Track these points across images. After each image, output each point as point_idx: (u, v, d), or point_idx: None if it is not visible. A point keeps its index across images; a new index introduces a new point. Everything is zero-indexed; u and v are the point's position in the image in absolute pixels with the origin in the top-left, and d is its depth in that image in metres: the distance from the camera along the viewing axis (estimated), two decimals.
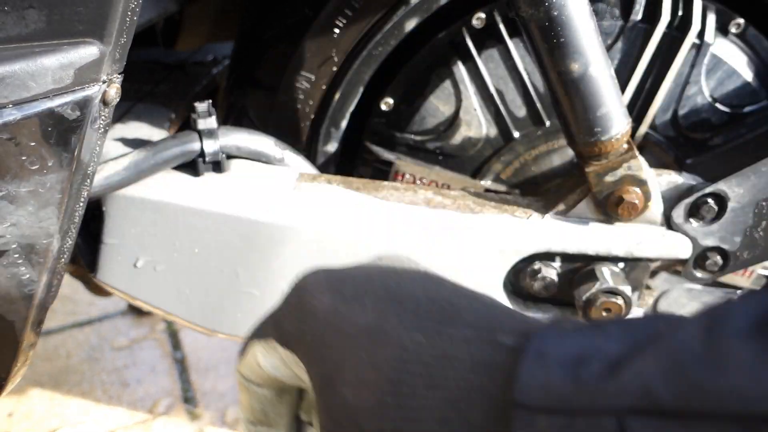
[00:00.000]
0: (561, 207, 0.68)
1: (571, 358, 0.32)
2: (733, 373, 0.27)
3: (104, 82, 0.51)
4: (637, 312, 0.71)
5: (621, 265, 0.69)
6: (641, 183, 0.66)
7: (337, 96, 0.73)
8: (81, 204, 0.56)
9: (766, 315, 0.28)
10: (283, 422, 0.49)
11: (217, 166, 0.67)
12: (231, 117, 0.78)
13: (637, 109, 0.72)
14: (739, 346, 0.27)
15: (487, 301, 0.39)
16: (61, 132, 0.50)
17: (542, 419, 0.31)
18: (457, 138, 0.74)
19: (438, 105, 0.74)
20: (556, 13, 0.59)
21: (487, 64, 0.73)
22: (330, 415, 0.39)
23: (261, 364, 0.45)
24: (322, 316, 0.41)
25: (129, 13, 0.49)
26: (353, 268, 0.44)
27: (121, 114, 0.78)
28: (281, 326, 0.44)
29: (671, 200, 0.68)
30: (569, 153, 0.73)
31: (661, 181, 0.68)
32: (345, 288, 0.41)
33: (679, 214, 0.67)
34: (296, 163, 0.71)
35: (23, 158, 0.49)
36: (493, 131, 0.74)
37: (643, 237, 0.67)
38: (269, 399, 0.48)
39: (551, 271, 0.69)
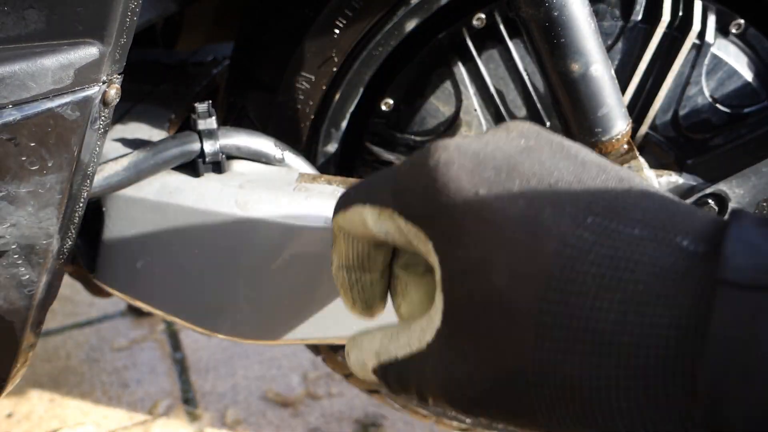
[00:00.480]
0: None
1: None
2: None
3: (104, 82, 0.51)
4: None
5: None
6: None
7: (337, 96, 0.73)
8: (81, 204, 0.56)
9: None
10: (377, 269, 0.48)
11: (217, 167, 0.67)
12: (231, 117, 0.78)
13: (638, 109, 0.72)
14: None
15: (657, 197, 0.36)
16: (61, 132, 0.50)
17: (753, 296, 0.29)
18: None
19: (438, 105, 0.74)
20: (556, 14, 0.59)
21: (488, 64, 0.73)
22: (470, 301, 0.37)
23: (369, 225, 0.44)
24: (461, 201, 0.38)
25: (129, 13, 0.49)
26: (489, 145, 0.40)
27: (121, 114, 0.78)
28: (406, 200, 0.41)
29: None
30: None
31: (662, 181, 0.68)
32: (485, 170, 0.38)
33: None
34: (296, 163, 0.71)
35: (23, 159, 0.49)
36: None
37: None
38: (367, 251, 0.47)
39: None
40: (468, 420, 0.94)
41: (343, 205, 0.45)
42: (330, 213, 0.64)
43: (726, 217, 0.34)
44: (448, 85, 0.73)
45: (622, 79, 0.71)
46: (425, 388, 0.42)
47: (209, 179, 0.67)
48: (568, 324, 0.34)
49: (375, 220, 0.43)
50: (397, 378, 0.44)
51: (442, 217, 0.39)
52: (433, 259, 0.40)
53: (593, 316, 0.33)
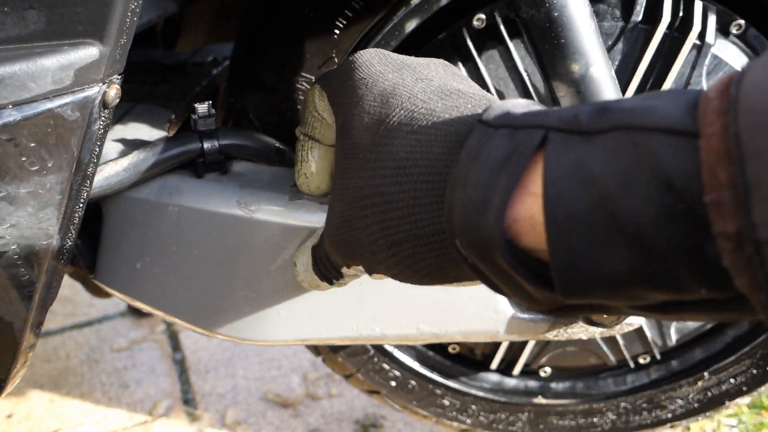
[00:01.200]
0: None
1: (526, 110, 0.41)
2: (636, 101, 0.34)
3: (104, 83, 0.51)
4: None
5: None
6: None
7: None
8: (81, 205, 0.56)
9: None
10: (323, 141, 0.61)
11: (217, 167, 0.67)
12: (231, 118, 0.78)
13: None
14: (649, 94, 0.35)
15: (486, 94, 0.48)
16: (61, 133, 0.50)
17: (492, 130, 0.40)
18: None
19: None
20: (556, 14, 0.59)
21: (488, 64, 0.72)
22: (342, 152, 0.50)
23: (315, 101, 0.58)
24: (358, 77, 0.52)
25: (129, 13, 0.49)
26: (408, 57, 0.54)
27: (121, 115, 0.78)
28: (330, 83, 0.55)
29: None
30: None
31: None
32: (391, 63, 0.52)
33: None
34: None
35: (23, 159, 0.49)
36: None
37: None
38: (318, 120, 0.59)
39: None
40: (468, 420, 0.94)
41: (313, 81, 0.60)
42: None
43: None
44: None
45: (623, 79, 0.71)
46: (326, 242, 0.54)
47: (209, 180, 0.66)
48: (381, 158, 0.46)
49: (318, 98, 0.57)
50: (319, 252, 0.57)
51: (342, 94, 0.52)
52: (336, 124, 0.53)
53: (397, 150, 0.45)
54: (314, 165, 0.62)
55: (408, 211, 0.44)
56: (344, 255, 0.51)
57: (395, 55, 0.54)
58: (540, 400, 0.93)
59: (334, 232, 0.51)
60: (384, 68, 0.52)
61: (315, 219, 0.64)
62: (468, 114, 0.45)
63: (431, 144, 0.44)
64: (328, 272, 0.57)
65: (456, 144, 0.43)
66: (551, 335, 0.73)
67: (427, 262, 0.45)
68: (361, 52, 0.55)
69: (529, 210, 0.37)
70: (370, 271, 0.50)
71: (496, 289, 0.42)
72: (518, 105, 0.42)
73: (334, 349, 0.89)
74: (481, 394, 0.92)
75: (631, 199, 0.32)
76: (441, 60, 0.55)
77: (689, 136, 0.32)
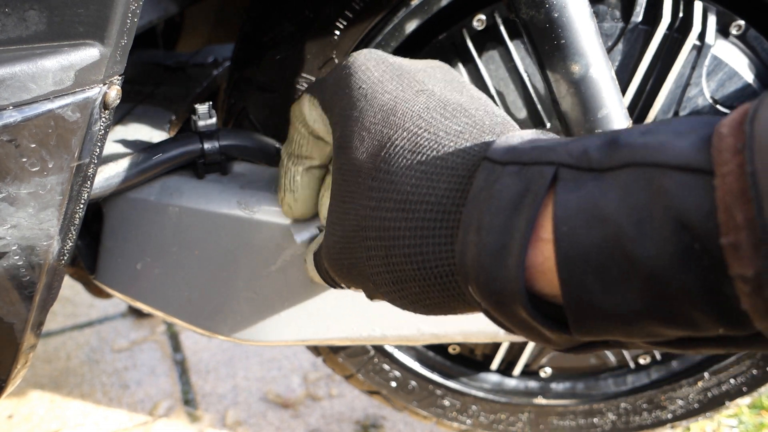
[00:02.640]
0: None
1: (540, 138, 0.40)
2: (649, 136, 0.33)
3: (105, 83, 0.51)
4: None
5: None
6: None
7: None
8: (81, 206, 0.56)
9: (684, 119, 0.35)
10: (308, 160, 0.58)
11: (218, 168, 0.67)
12: (231, 119, 0.78)
13: (638, 110, 0.72)
14: (663, 124, 0.34)
15: (489, 109, 0.47)
16: (62, 134, 0.50)
17: (500, 167, 0.39)
18: None
19: None
20: (556, 15, 0.59)
21: (488, 65, 0.73)
22: (340, 171, 0.48)
23: (305, 112, 0.55)
24: (356, 86, 0.49)
25: (129, 14, 0.49)
26: (404, 59, 0.52)
27: (122, 115, 0.78)
28: (324, 90, 0.53)
29: None
30: None
31: None
32: (387, 69, 0.50)
33: None
34: None
35: (24, 160, 0.49)
36: None
37: None
38: (305, 137, 0.57)
39: None
40: (468, 421, 0.94)
41: (301, 93, 0.57)
42: None
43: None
44: None
45: (623, 80, 0.71)
46: (324, 257, 0.52)
47: (210, 180, 0.67)
48: (384, 186, 0.44)
49: (308, 108, 0.54)
50: (318, 261, 0.57)
51: (338, 104, 0.50)
52: (333, 138, 0.51)
53: (401, 180, 0.44)
54: (299, 192, 0.60)
55: (416, 250, 0.42)
56: (344, 279, 0.50)
57: (392, 58, 0.52)
58: (540, 400, 0.93)
59: (334, 256, 0.50)
60: (382, 75, 0.50)
61: (315, 219, 0.64)
62: (472, 144, 0.43)
63: (437, 179, 0.42)
64: (330, 282, 0.56)
65: (463, 179, 0.41)
66: None
67: (434, 300, 0.44)
68: (356, 54, 0.52)
69: (541, 255, 0.36)
70: (371, 298, 0.49)
71: (508, 329, 0.41)
72: (524, 137, 0.41)
73: (335, 350, 0.89)
74: (481, 394, 0.92)
75: (645, 238, 0.32)
76: (440, 63, 0.53)
77: (704, 173, 0.31)
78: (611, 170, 0.34)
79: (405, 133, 0.45)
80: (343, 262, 0.49)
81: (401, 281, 0.44)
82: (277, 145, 0.70)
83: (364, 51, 0.52)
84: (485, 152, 0.41)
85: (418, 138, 0.44)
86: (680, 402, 0.91)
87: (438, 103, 0.46)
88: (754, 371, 0.86)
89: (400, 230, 0.43)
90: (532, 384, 0.94)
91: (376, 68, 0.50)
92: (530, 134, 0.42)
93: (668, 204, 0.31)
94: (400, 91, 0.48)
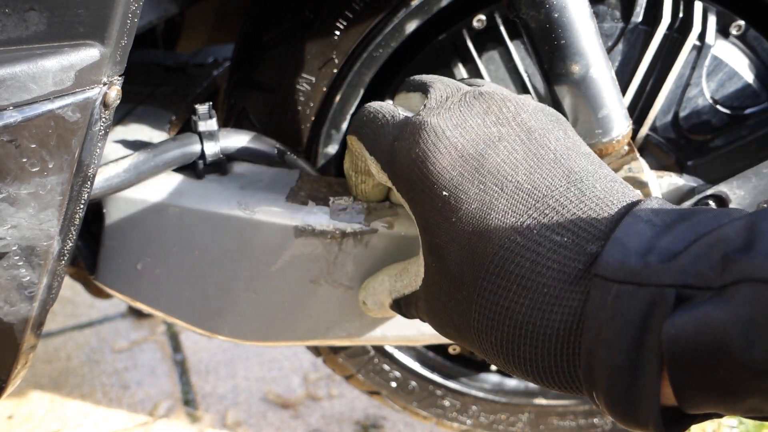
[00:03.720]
0: None
1: (644, 247, 0.40)
2: (757, 251, 0.35)
3: (105, 84, 0.51)
4: None
5: None
6: (642, 185, 0.65)
7: (337, 98, 0.73)
8: (81, 206, 0.56)
9: None
10: (371, 181, 0.60)
11: (218, 168, 0.67)
12: (231, 119, 0.78)
13: (638, 111, 0.72)
14: (766, 234, 0.36)
15: (593, 196, 0.45)
16: (62, 134, 0.50)
17: (616, 287, 0.39)
18: None
19: None
20: (556, 15, 0.59)
21: (488, 65, 0.73)
22: (438, 270, 0.49)
23: (373, 172, 0.55)
24: (433, 193, 0.48)
25: (130, 15, 0.49)
26: (466, 132, 0.49)
27: (122, 116, 0.78)
28: (397, 175, 0.51)
29: (672, 202, 0.68)
30: None
31: (662, 183, 0.68)
32: (457, 163, 0.48)
33: None
34: (297, 165, 0.71)
35: (24, 160, 0.49)
36: None
37: None
38: (370, 174, 0.58)
39: None
40: (468, 421, 0.94)
41: (355, 132, 0.56)
42: (329, 217, 0.64)
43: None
44: None
45: (623, 80, 0.71)
46: (423, 316, 0.55)
47: (210, 181, 0.67)
48: (494, 308, 0.45)
49: (376, 171, 0.54)
50: (407, 308, 0.58)
51: (420, 205, 0.49)
52: (419, 230, 0.51)
53: (511, 306, 0.44)
54: (371, 197, 0.63)
55: (536, 370, 0.44)
56: (452, 339, 0.52)
57: (464, 139, 0.48)
58: (540, 400, 0.93)
59: (441, 329, 0.52)
60: (461, 174, 0.47)
61: (315, 220, 0.64)
62: (575, 257, 0.43)
63: (549, 309, 0.43)
64: (413, 317, 0.59)
65: (576, 309, 0.42)
66: None
67: (548, 388, 0.46)
68: (421, 137, 0.49)
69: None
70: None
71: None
72: (635, 236, 0.41)
73: (335, 350, 0.89)
74: (481, 394, 0.92)
75: (753, 346, 0.34)
76: (524, 125, 0.49)
77: None
78: (725, 287, 0.36)
79: (502, 252, 0.44)
80: (452, 337, 0.51)
81: (518, 375, 0.46)
82: (278, 145, 0.70)
83: (431, 133, 0.49)
84: (594, 268, 0.41)
85: (517, 258, 0.44)
86: None
87: (528, 200, 0.45)
88: None
89: (520, 352, 0.44)
90: (533, 384, 0.94)
91: (452, 166, 0.48)
92: (638, 225, 0.42)
93: None
94: (485, 194, 0.46)
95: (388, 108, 0.55)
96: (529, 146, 0.48)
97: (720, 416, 0.41)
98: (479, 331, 0.46)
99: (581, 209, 0.44)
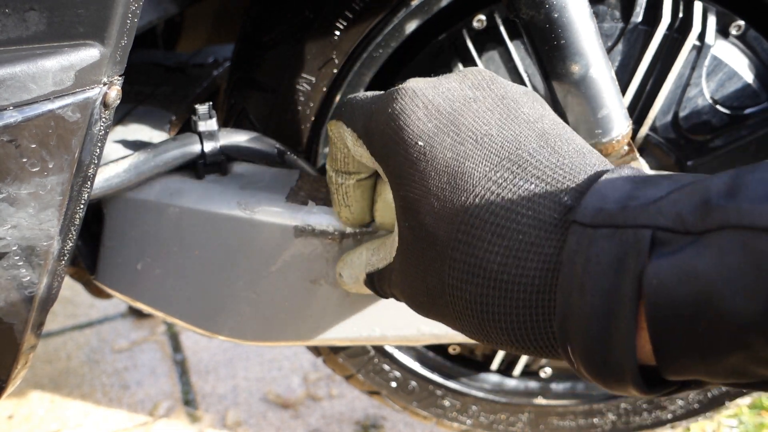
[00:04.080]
0: None
1: (624, 196, 0.39)
2: (743, 197, 0.34)
3: (105, 84, 0.51)
4: None
5: None
6: None
7: (337, 98, 0.73)
8: (81, 206, 0.56)
9: None
10: (356, 174, 0.57)
11: (218, 168, 0.67)
12: (231, 119, 0.78)
13: (638, 111, 0.72)
14: (752, 183, 0.35)
15: (567, 153, 0.45)
16: (62, 134, 0.50)
17: (592, 231, 0.39)
18: None
19: None
20: (556, 15, 0.59)
21: (488, 65, 0.73)
22: (411, 230, 0.48)
23: (349, 146, 0.54)
24: (407, 148, 0.48)
25: (130, 15, 0.49)
26: (441, 92, 0.49)
27: (122, 116, 0.78)
28: (371, 138, 0.51)
29: None
30: None
31: None
32: (431, 119, 0.48)
33: None
34: (297, 165, 0.71)
35: (24, 160, 0.49)
36: None
37: None
38: (350, 156, 0.56)
39: None
40: (468, 421, 0.94)
41: (335, 115, 0.56)
42: (329, 217, 0.64)
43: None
44: None
45: (623, 80, 0.71)
46: (396, 291, 0.54)
47: (210, 181, 0.67)
48: (469, 260, 0.44)
49: (352, 143, 0.53)
50: (379, 283, 0.57)
51: (393, 159, 0.49)
52: (392, 191, 0.50)
53: (486, 257, 0.43)
54: (355, 205, 0.60)
55: (513, 326, 0.43)
56: (422, 314, 0.51)
57: (440, 98, 0.49)
58: (540, 400, 0.93)
59: (414, 300, 0.50)
60: (437, 127, 0.47)
61: (315, 220, 0.64)
62: (552, 203, 0.42)
63: (525, 257, 0.42)
64: (386, 296, 0.57)
65: (552, 256, 0.41)
66: None
67: (523, 352, 0.45)
68: (401, 97, 0.49)
69: (641, 317, 0.37)
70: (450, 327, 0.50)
71: (586, 379, 0.42)
72: (614, 188, 0.40)
73: (335, 350, 0.89)
74: (481, 394, 0.92)
75: (736, 295, 0.33)
76: (486, 78, 0.50)
77: None
78: (707, 233, 0.35)
79: (477, 200, 0.44)
80: (424, 306, 0.50)
81: (493, 341, 0.45)
82: (278, 145, 0.70)
83: (409, 91, 0.49)
84: (572, 215, 0.41)
85: (493, 206, 0.43)
86: (680, 402, 0.91)
87: (502, 152, 0.45)
88: None
89: (494, 307, 0.43)
90: (532, 384, 0.94)
91: (428, 118, 0.48)
92: (623, 178, 0.41)
93: (761, 264, 0.32)
94: (460, 145, 0.46)
95: (367, 93, 0.56)
96: (503, 109, 0.48)
97: (700, 385, 0.39)
98: (452, 287, 0.45)
99: (556, 164, 0.44)
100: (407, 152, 0.48)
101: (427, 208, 0.46)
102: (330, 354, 0.90)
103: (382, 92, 0.53)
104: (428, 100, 0.49)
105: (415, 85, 0.50)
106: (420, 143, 0.47)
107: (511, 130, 0.46)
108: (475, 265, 0.43)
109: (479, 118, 0.47)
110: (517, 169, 0.44)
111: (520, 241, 0.42)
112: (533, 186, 0.43)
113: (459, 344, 0.92)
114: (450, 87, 0.50)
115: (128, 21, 0.50)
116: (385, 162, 0.50)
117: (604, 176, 0.42)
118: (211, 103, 0.67)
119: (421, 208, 0.47)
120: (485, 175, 0.44)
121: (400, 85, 0.50)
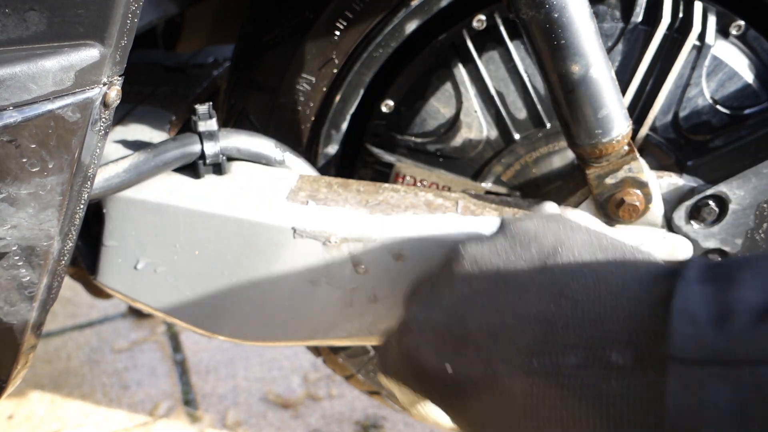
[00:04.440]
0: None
1: (716, 314, 0.33)
2: None
3: (105, 84, 0.51)
4: None
5: None
6: (642, 185, 0.65)
7: (337, 98, 0.73)
8: (81, 206, 0.56)
9: None
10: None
11: (218, 168, 0.67)
12: (231, 119, 0.78)
13: (638, 111, 0.72)
14: None
15: (588, 303, 0.40)
16: (62, 134, 0.50)
17: (697, 370, 0.33)
18: (458, 140, 0.74)
19: (438, 107, 0.74)
20: (556, 15, 0.59)
21: (488, 66, 0.73)
22: None
23: (399, 396, 0.53)
24: (436, 380, 0.45)
25: (130, 15, 0.49)
26: (442, 309, 0.46)
27: (122, 116, 0.78)
28: (407, 381, 0.50)
29: (672, 202, 0.68)
30: (570, 155, 0.73)
31: (662, 183, 0.68)
32: (445, 343, 0.45)
33: (680, 216, 0.67)
34: (297, 165, 0.71)
35: (24, 160, 0.49)
36: (494, 133, 0.74)
37: (644, 239, 0.67)
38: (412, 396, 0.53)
39: None
40: None
41: (381, 367, 0.55)
42: (328, 218, 0.64)
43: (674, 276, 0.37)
44: (448, 86, 0.73)
45: (623, 80, 0.71)
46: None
47: (210, 181, 0.67)
48: None
49: (401, 392, 0.52)
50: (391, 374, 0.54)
51: (430, 394, 0.47)
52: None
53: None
54: (431, 416, 0.57)
55: None
56: None
57: (447, 315, 0.46)
58: None
59: None
60: (453, 348, 0.45)
61: (315, 220, 0.64)
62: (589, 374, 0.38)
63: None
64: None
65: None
66: None
67: None
68: (408, 338, 0.48)
69: None
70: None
71: None
72: (696, 300, 0.35)
73: (335, 350, 0.89)
74: None
75: None
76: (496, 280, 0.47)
77: None
78: None
79: (530, 400, 0.40)
80: None
81: None
82: (277, 145, 0.70)
83: (406, 327, 0.48)
84: (668, 352, 0.34)
85: (546, 399, 0.39)
86: None
87: (530, 334, 0.41)
88: None
89: None
90: None
91: (434, 342, 0.46)
92: (693, 286, 0.36)
93: None
94: (480, 351, 0.44)
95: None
96: (505, 285, 0.45)
97: None
98: None
99: (579, 318, 0.40)
100: (440, 382, 0.46)
101: (484, 427, 0.44)
102: (330, 354, 0.90)
103: (394, 326, 0.52)
104: (432, 326, 0.47)
105: (412, 315, 0.49)
106: (447, 366, 0.45)
107: (523, 306, 0.43)
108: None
109: (486, 312, 0.44)
110: (547, 346, 0.40)
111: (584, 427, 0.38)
112: (573, 359, 0.39)
113: None
114: (445, 294, 0.48)
115: (128, 21, 0.50)
116: (429, 396, 0.49)
117: (678, 285, 0.36)
118: (211, 103, 0.67)
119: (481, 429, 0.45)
120: (523, 371, 0.40)
121: (399, 324, 0.50)
